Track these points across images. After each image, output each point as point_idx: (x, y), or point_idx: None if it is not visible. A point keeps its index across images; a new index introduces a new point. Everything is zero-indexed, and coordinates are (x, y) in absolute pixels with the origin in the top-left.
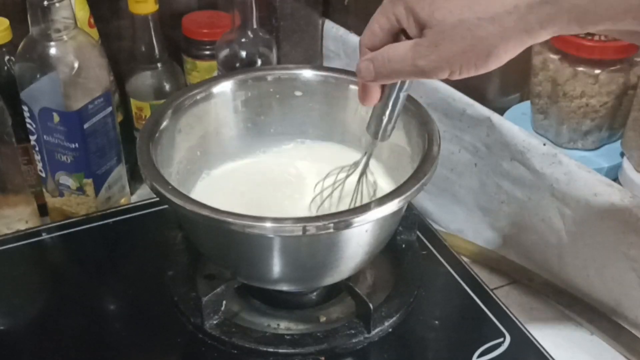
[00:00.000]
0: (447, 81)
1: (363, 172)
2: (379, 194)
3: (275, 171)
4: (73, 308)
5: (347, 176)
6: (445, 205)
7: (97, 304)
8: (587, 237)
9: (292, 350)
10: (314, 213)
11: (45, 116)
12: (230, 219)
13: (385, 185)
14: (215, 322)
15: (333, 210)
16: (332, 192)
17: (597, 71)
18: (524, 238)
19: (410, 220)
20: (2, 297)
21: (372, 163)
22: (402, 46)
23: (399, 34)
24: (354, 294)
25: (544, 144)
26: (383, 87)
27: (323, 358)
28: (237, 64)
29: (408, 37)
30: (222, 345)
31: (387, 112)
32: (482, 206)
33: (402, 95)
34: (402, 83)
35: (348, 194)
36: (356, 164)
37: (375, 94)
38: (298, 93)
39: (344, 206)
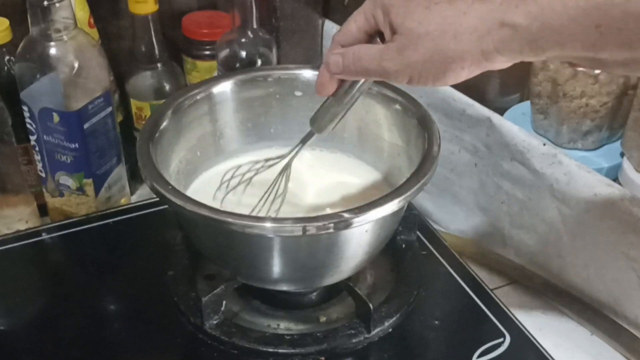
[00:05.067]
0: None
1: (288, 165)
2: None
3: (274, 172)
4: (73, 308)
5: (267, 167)
6: (445, 205)
7: (97, 304)
8: (587, 237)
9: (292, 350)
10: (217, 204)
11: (45, 116)
12: (230, 219)
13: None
14: (215, 322)
15: (236, 201)
16: (239, 182)
17: (597, 71)
18: (524, 238)
19: (410, 220)
20: (2, 297)
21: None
22: (373, 47)
23: (374, 36)
24: (354, 294)
25: (544, 144)
26: (340, 82)
27: (323, 358)
28: (237, 64)
29: (382, 41)
30: (222, 345)
31: (340, 108)
32: (482, 206)
33: (357, 95)
34: (362, 84)
35: (263, 186)
36: (283, 156)
37: (332, 86)
38: (298, 93)
39: (252, 199)
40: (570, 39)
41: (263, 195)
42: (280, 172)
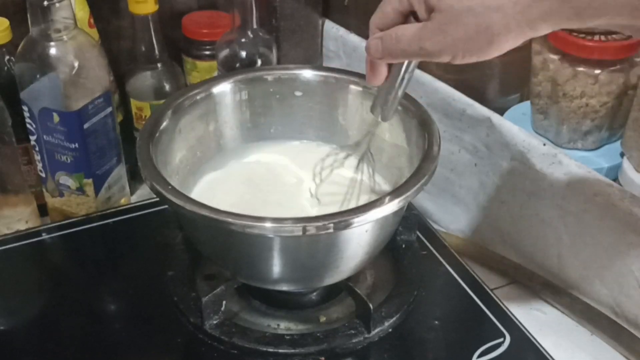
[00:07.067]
0: (447, 80)
1: (365, 153)
2: (378, 181)
3: (275, 172)
4: (73, 308)
5: (348, 155)
6: (445, 205)
7: (97, 304)
8: (587, 237)
9: (292, 351)
10: (313, 194)
11: (45, 116)
12: (230, 219)
13: (384, 185)
14: (215, 322)
15: (331, 192)
16: (331, 172)
17: (597, 71)
18: (524, 238)
19: (410, 220)
20: (2, 297)
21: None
22: (410, 27)
23: (408, 16)
24: (354, 294)
25: (544, 144)
26: (390, 67)
27: (323, 358)
28: (237, 64)
29: (417, 20)
30: (222, 345)
31: (393, 92)
32: (482, 206)
33: (407, 76)
34: (409, 64)
35: (347, 176)
36: (357, 144)
37: (382, 73)
38: (298, 93)
39: (341, 188)
40: (621, 7)
41: (347, 190)
42: (359, 163)
